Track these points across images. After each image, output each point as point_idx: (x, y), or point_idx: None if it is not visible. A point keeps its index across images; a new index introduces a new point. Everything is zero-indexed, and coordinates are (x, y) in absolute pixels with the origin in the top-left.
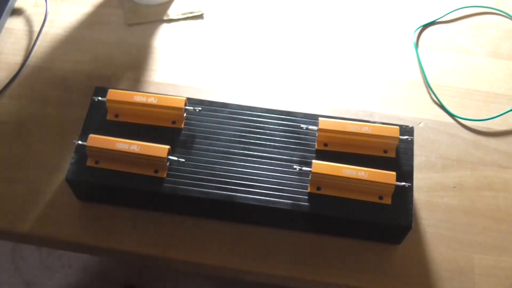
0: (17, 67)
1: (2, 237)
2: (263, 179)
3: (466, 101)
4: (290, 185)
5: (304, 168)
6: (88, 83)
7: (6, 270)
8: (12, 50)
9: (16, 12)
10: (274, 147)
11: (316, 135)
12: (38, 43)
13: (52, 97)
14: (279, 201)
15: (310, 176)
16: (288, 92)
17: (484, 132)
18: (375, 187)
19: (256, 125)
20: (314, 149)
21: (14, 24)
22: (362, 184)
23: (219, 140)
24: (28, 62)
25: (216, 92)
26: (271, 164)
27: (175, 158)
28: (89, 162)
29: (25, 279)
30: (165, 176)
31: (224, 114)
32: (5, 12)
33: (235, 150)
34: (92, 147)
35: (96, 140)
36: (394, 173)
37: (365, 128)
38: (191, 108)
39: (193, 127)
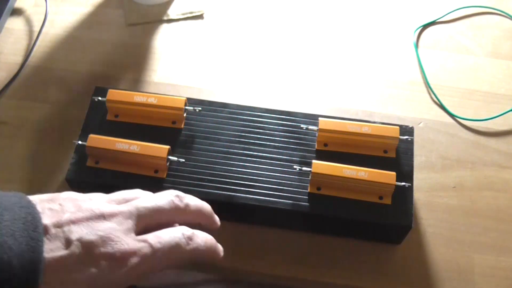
0: (17, 67)
1: None
2: (263, 179)
3: (466, 101)
4: (290, 185)
5: (304, 168)
6: (88, 83)
7: None
8: (12, 50)
9: (16, 12)
10: (274, 147)
11: (316, 135)
12: (38, 43)
13: (52, 97)
14: (279, 201)
15: (310, 176)
16: (288, 92)
17: (484, 132)
18: (375, 187)
19: (256, 125)
20: (314, 149)
21: (14, 24)
22: (362, 184)
23: (219, 140)
24: (28, 62)
25: (216, 92)
26: (271, 164)
27: (175, 158)
28: (89, 162)
29: None
30: (165, 176)
31: (224, 114)
32: (5, 12)
33: (235, 150)
34: (92, 147)
35: (96, 140)
36: (394, 173)
37: (365, 128)
38: (191, 108)
39: (193, 127)
